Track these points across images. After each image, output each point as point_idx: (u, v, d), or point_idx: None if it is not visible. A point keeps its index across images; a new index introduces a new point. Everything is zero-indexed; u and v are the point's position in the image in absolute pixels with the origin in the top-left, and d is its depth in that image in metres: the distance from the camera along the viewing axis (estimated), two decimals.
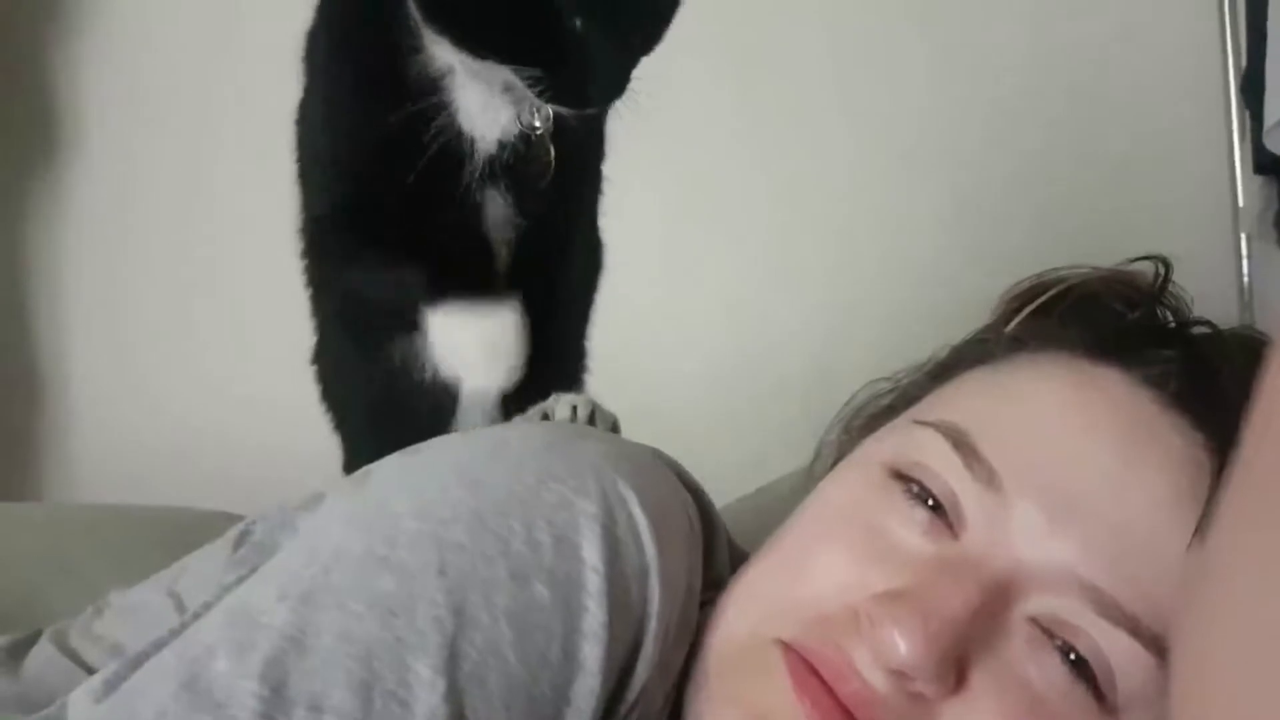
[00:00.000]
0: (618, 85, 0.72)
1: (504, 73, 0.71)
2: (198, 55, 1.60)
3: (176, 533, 0.92)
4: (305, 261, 0.86)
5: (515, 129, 0.76)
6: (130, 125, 1.64)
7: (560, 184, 0.79)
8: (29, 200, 1.65)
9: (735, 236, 1.64)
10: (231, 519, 0.78)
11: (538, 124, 0.76)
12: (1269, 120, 1.35)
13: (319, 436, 0.90)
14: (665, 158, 1.55)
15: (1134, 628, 0.54)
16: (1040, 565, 0.56)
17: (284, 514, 0.70)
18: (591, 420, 0.75)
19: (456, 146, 0.75)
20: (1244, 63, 1.50)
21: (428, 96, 0.73)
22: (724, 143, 1.62)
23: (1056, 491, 0.57)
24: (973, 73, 1.63)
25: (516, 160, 0.76)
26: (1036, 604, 0.55)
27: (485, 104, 0.74)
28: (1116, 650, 0.54)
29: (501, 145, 0.76)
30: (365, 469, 0.66)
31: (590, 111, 0.74)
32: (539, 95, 0.70)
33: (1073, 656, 0.55)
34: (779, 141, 1.63)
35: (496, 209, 0.78)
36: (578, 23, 0.69)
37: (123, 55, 1.63)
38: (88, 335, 1.66)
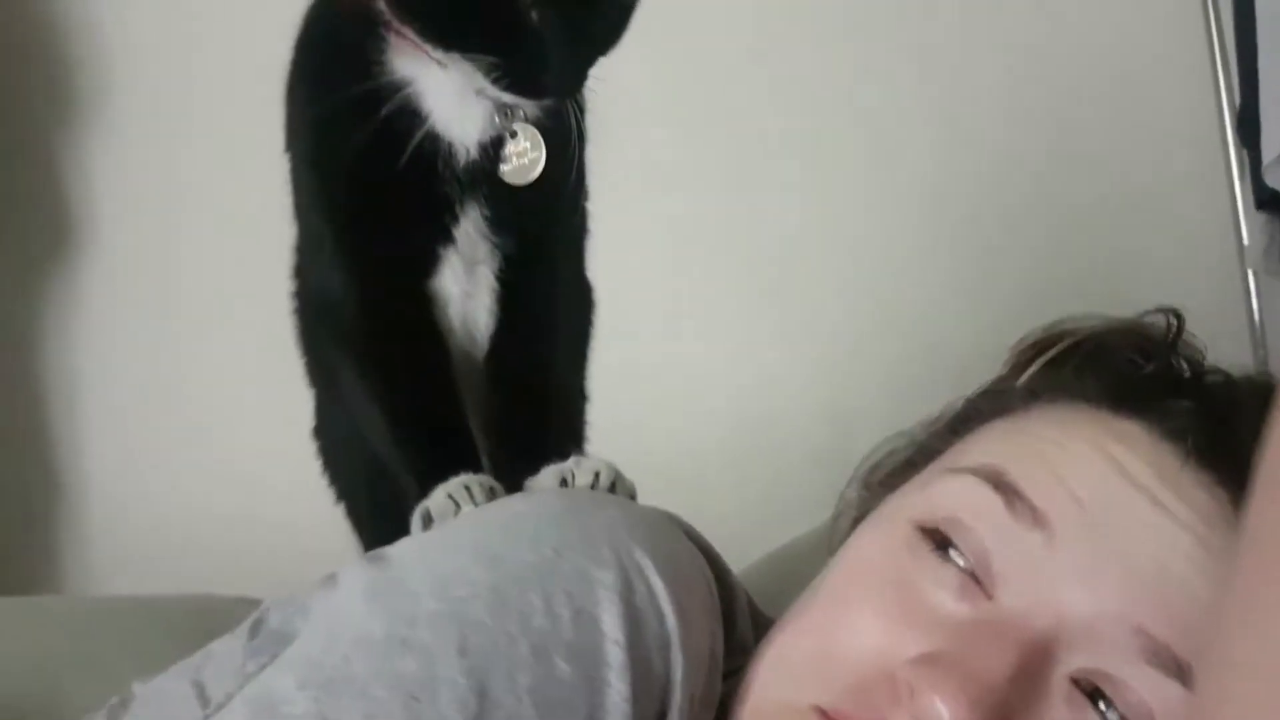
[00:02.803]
0: (574, 78, 0.74)
1: (473, 76, 0.72)
2: (209, 152, 1.62)
3: (196, 620, 0.91)
4: (299, 331, 0.86)
5: (492, 131, 0.76)
6: (142, 223, 1.66)
7: (542, 203, 0.79)
8: (44, 297, 1.66)
9: (739, 292, 1.64)
10: (251, 604, 0.78)
11: (515, 126, 0.76)
12: (1267, 156, 1.35)
13: (328, 509, 0.90)
14: (668, 213, 1.57)
15: (1183, 675, 0.53)
16: (1087, 611, 0.55)
17: (298, 598, 0.69)
18: (613, 489, 0.74)
19: (433, 150, 0.75)
20: (1237, 101, 1.51)
21: (397, 107, 0.74)
22: (725, 196, 1.63)
23: (1101, 532, 0.56)
24: (973, 122, 1.64)
25: (496, 165, 0.77)
26: (1079, 660, 0.54)
27: (459, 107, 0.75)
28: (1164, 699, 0.53)
29: (482, 148, 0.76)
30: (380, 550, 0.66)
31: (546, 101, 0.75)
32: (495, 83, 0.71)
33: (1113, 718, 0.54)
34: (780, 193, 1.63)
35: (472, 229, 0.78)
36: (534, 15, 0.70)
37: (135, 154, 1.65)
38: (103, 429, 1.67)
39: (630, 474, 0.76)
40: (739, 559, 0.77)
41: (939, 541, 0.58)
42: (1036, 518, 0.57)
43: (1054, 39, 1.65)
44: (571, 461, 0.75)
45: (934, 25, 1.64)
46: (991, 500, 0.58)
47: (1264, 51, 1.38)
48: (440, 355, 0.79)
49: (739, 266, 1.64)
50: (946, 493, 0.60)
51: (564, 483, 0.74)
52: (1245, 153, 1.52)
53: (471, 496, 0.71)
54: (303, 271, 0.84)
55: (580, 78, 0.74)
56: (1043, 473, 0.59)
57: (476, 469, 0.75)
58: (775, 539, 1.00)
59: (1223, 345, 0.69)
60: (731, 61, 1.62)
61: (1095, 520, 0.57)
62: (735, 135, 1.63)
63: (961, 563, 0.57)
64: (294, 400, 0.90)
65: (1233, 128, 1.55)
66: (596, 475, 0.74)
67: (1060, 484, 0.58)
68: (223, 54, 1.60)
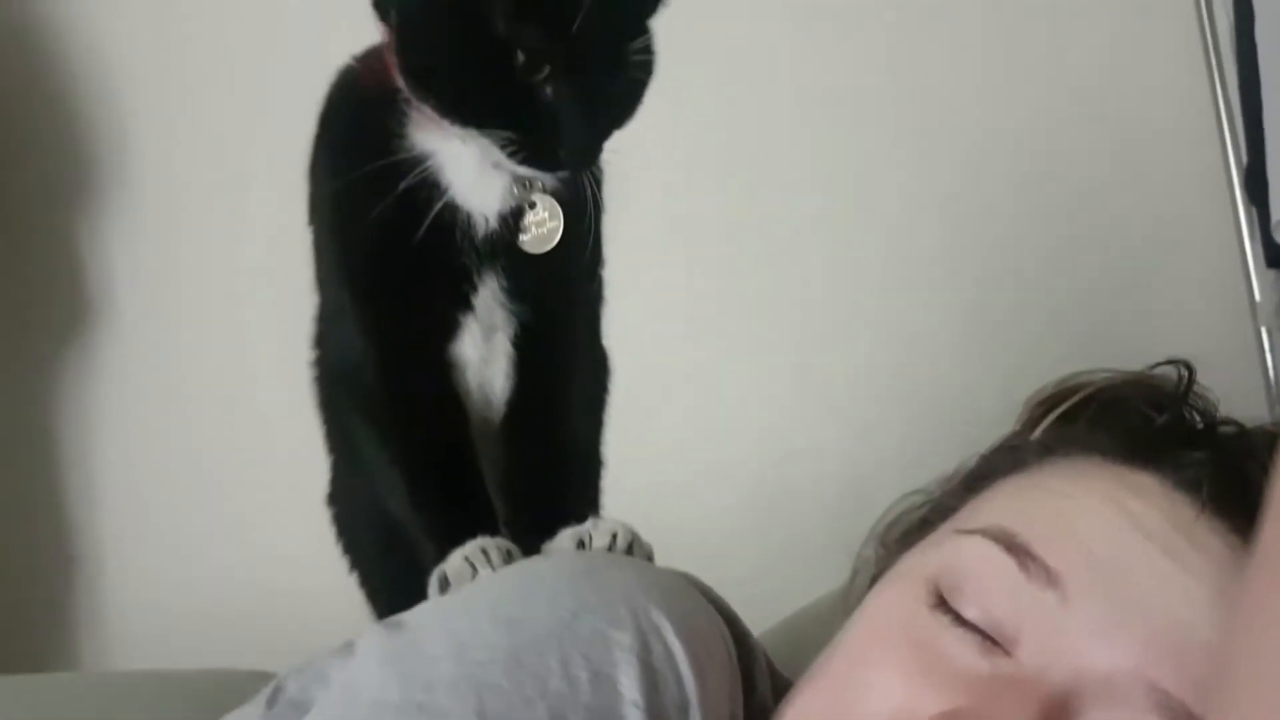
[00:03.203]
0: (588, 152, 0.75)
1: (491, 149, 0.74)
2: (224, 233, 1.64)
3: (213, 694, 0.91)
4: (319, 398, 0.87)
5: (511, 203, 0.77)
6: (158, 302, 1.67)
7: (559, 271, 0.80)
8: (61, 374, 1.68)
9: (757, 356, 1.64)
10: (268, 678, 0.77)
11: (533, 197, 0.78)
12: (1275, 214, 1.36)
13: (344, 580, 0.90)
14: (686, 278, 1.58)
15: None
16: (1104, 670, 0.54)
17: (315, 666, 0.69)
18: (630, 551, 0.74)
19: (451, 221, 0.76)
20: (1244, 159, 1.52)
21: (418, 174, 0.75)
22: (744, 263, 1.64)
23: (1114, 591, 0.56)
24: (986, 187, 1.65)
25: (515, 235, 0.78)
26: (1096, 715, 0.54)
27: (478, 179, 0.76)
28: None
29: (501, 219, 0.77)
30: (396, 616, 0.66)
31: (562, 174, 0.76)
32: (511, 158, 0.73)
33: None
34: (798, 261, 1.64)
35: (491, 298, 0.79)
36: (548, 91, 0.72)
37: (151, 235, 1.67)
38: (118, 504, 1.67)
39: (648, 536, 0.76)
40: (758, 621, 0.77)
41: (955, 611, 0.58)
42: (1050, 577, 0.57)
43: (1063, 105, 1.66)
44: (589, 523, 0.75)
45: (946, 94, 1.66)
46: (1004, 562, 0.58)
47: (1269, 111, 1.39)
48: (458, 420, 0.80)
49: (757, 331, 1.65)
50: (959, 553, 0.60)
51: (581, 545, 0.74)
52: (1254, 211, 1.54)
53: (488, 560, 0.72)
54: (323, 340, 0.85)
55: (595, 151, 0.76)
56: (1056, 530, 0.59)
57: (494, 532, 0.75)
58: (794, 601, 0.99)
59: (1237, 402, 0.69)
60: (752, 134, 1.64)
61: (1110, 577, 0.56)
62: (755, 204, 1.64)
63: (978, 623, 0.57)
64: (309, 473, 0.90)
65: (1240, 186, 1.56)
66: (614, 537, 0.74)
67: (1074, 541, 0.58)
68: (238, 139, 1.63)
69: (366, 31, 0.78)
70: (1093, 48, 1.65)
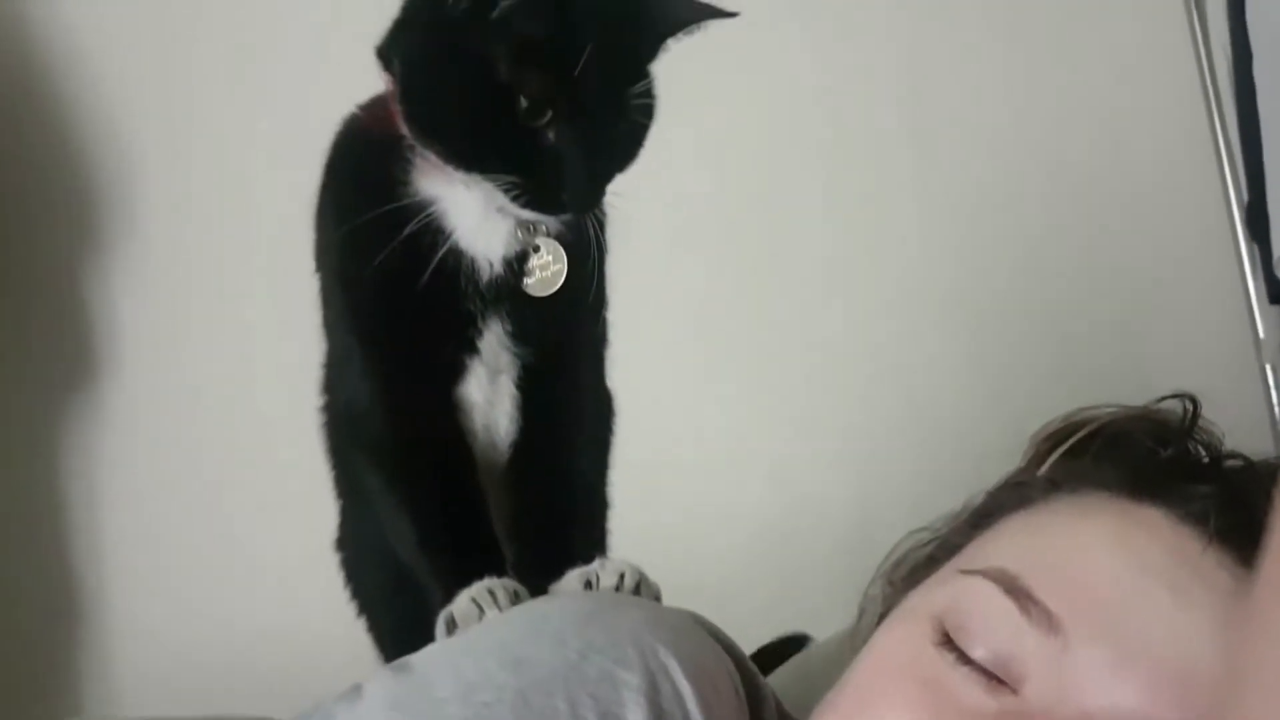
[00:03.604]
0: (591, 195, 0.76)
1: (494, 194, 0.74)
2: (230, 278, 1.64)
3: None
4: (327, 442, 0.87)
5: (516, 246, 0.78)
6: (164, 351, 1.67)
7: (563, 314, 0.80)
8: (66, 422, 1.67)
9: (762, 395, 1.64)
10: None
11: (538, 241, 0.78)
12: (1278, 250, 1.37)
13: (353, 626, 0.90)
14: (693, 316, 1.58)
15: None
16: (1109, 709, 0.54)
17: (323, 710, 0.69)
18: (637, 591, 0.74)
19: (455, 266, 0.77)
20: (1245, 197, 1.53)
21: (422, 220, 0.76)
22: (750, 302, 1.64)
23: (1117, 633, 0.56)
24: (992, 229, 1.65)
25: (519, 279, 0.78)
26: None
27: (482, 224, 0.77)
28: None
29: (505, 263, 0.78)
30: (404, 659, 0.65)
31: (565, 217, 0.77)
32: (514, 201, 0.74)
33: None
34: (805, 299, 1.65)
35: (496, 342, 0.79)
36: (551, 135, 0.73)
37: (158, 283, 1.67)
38: (124, 553, 1.67)
39: (655, 576, 0.76)
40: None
41: (959, 650, 0.58)
42: (1051, 623, 0.56)
43: (1068, 146, 1.67)
44: (596, 564, 0.75)
45: (953, 138, 1.67)
46: (1006, 605, 0.58)
47: (1269, 149, 1.40)
48: (465, 462, 0.80)
49: (764, 371, 1.65)
50: (963, 594, 0.60)
51: (588, 585, 0.74)
52: (1256, 247, 1.54)
53: (495, 600, 0.72)
54: (331, 386, 0.86)
55: (598, 194, 0.77)
56: (1059, 573, 0.59)
57: (501, 574, 0.75)
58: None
59: (1243, 437, 0.69)
60: (759, 175, 1.65)
61: (1114, 618, 0.56)
62: (761, 245, 1.65)
63: (984, 662, 0.57)
64: (317, 520, 0.90)
65: (1242, 223, 1.57)
66: (621, 577, 0.74)
67: (1077, 582, 0.58)
68: (246, 189, 1.64)
69: (372, 80, 0.79)
70: (1096, 90, 1.67)
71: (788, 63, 1.65)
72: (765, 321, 1.65)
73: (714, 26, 0.77)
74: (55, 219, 1.70)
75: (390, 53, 0.78)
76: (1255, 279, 1.57)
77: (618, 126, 0.76)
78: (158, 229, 1.68)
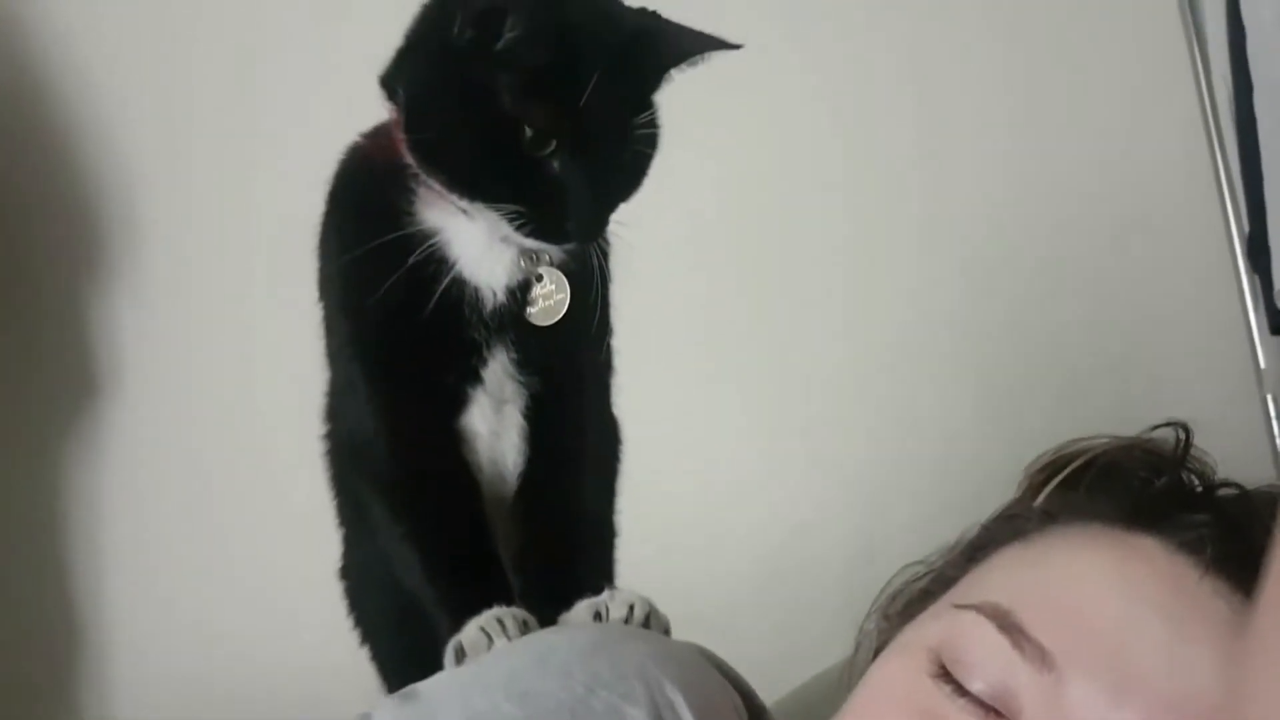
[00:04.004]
0: (595, 225, 0.76)
1: (498, 224, 0.75)
2: (233, 306, 1.65)
3: None
4: (330, 472, 0.88)
5: (519, 276, 0.78)
6: (166, 363, 1.67)
7: (567, 343, 0.81)
8: (68, 449, 1.68)
9: (765, 426, 1.64)
10: None
11: (540, 270, 0.78)
12: (1278, 282, 1.37)
13: (356, 654, 0.90)
14: (697, 347, 1.58)
15: None
16: None
17: None
18: (646, 623, 0.73)
19: (459, 296, 0.77)
20: (1246, 228, 1.53)
21: (425, 250, 0.76)
22: (753, 333, 1.65)
23: (1112, 666, 0.56)
24: (992, 254, 1.65)
25: (523, 308, 0.79)
26: None
27: (485, 254, 0.77)
28: None
29: (509, 292, 0.78)
30: (411, 687, 0.66)
31: (569, 246, 0.77)
32: (518, 230, 0.74)
33: None
34: (808, 331, 1.65)
35: (500, 371, 0.79)
36: (555, 165, 0.73)
37: (160, 309, 1.68)
38: (126, 580, 1.67)
39: (657, 604, 0.76)
40: (768, 691, 0.76)
41: (957, 674, 0.58)
42: (1045, 659, 0.57)
43: (1070, 178, 1.67)
44: (605, 595, 0.75)
45: (955, 170, 1.67)
46: (999, 641, 0.58)
47: (1270, 180, 1.41)
48: (471, 492, 0.80)
49: (767, 402, 1.65)
50: (956, 629, 0.60)
51: (598, 616, 0.73)
52: (1257, 279, 1.55)
53: (504, 630, 0.71)
54: (334, 415, 0.86)
55: (601, 224, 0.77)
56: (1053, 607, 0.59)
57: (509, 601, 0.75)
58: (805, 672, 0.99)
59: (1245, 469, 0.69)
60: (762, 203, 1.65)
61: (1110, 652, 0.57)
62: (765, 275, 1.65)
63: (981, 695, 0.57)
64: (321, 547, 0.90)
65: (1243, 254, 1.57)
66: (630, 609, 0.74)
67: (1071, 617, 0.58)
68: (248, 214, 1.64)
69: (376, 101, 0.79)
70: (1097, 122, 1.67)
71: (794, 86, 1.65)
72: (770, 349, 1.65)
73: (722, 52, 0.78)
74: (58, 238, 1.71)
75: (394, 82, 0.78)
76: (1256, 310, 1.57)
77: (622, 156, 0.76)
78: (160, 248, 1.69)
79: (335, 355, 0.83)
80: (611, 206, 0.77)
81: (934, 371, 1.63)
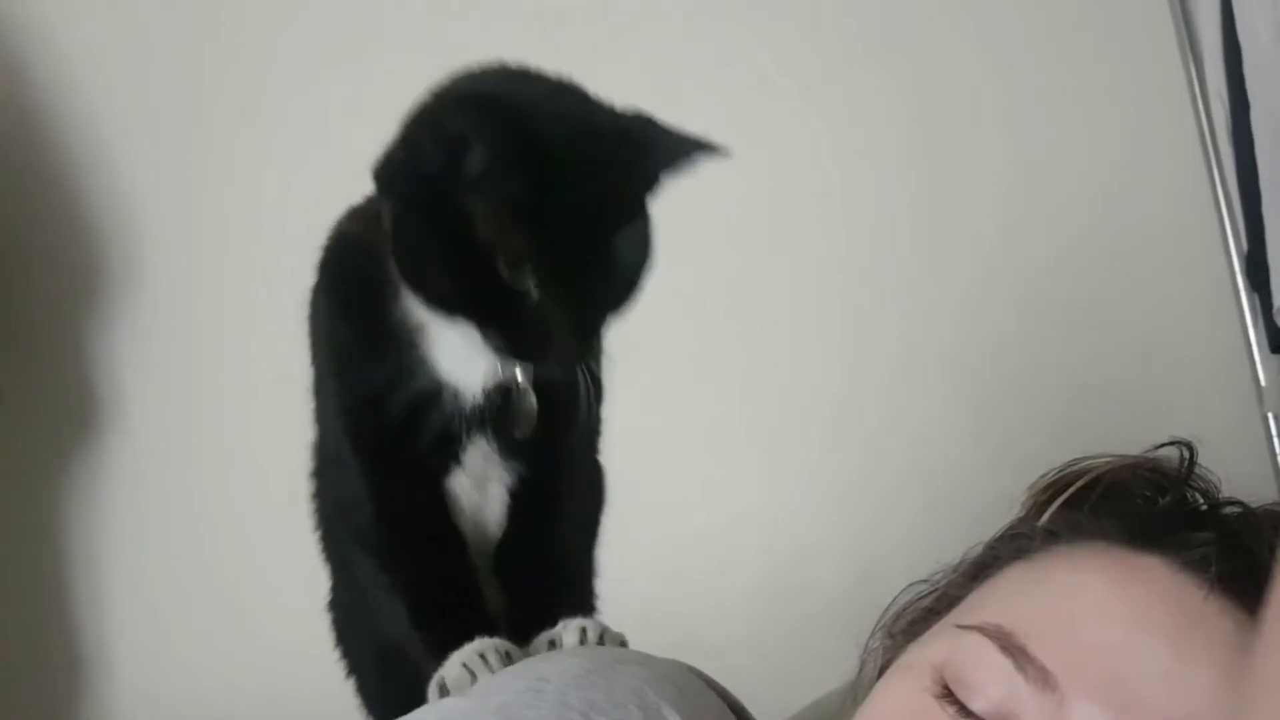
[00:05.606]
0: (575, 352, 0.74)
1: (476, 333, 0.73)
2: (232, 337, 1.65)
3: None
4: (317, 523, 0.87)
5: (495, 379, 0.76)
6: (166, 407, 1.68)
7: (550, 431, 0.79)
8: (68, 478, 1.68)
9: (765, 451, 1.64)
10: None
11: (519, 376, 0.76)
12: (1278, 299, 1.37)
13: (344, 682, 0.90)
14: (694, 376, 1.58)
15: None
16: None
17: None
18: (601, 642, 0.74)
19: (438, 397, 0.76)
20: (1244, 246, 1.53)
21: (408, 349, 0.75)
22: (751, 365, 1.65)
23: (1115, 688, 0.56)
24: (991, 275, 1.66)
25: (501, 410, 0.77)
26: None
27: (464, 357, 0.75)
28: None
29: (486, 395, 0.76)
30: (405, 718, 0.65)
31: (552, 373, 0.75)
32: (496, 350, 0.72)
33: None
34: (805, 362, 1.65)
35: (481, 457, 0.78)
36: (534, 293, 0.70)
37: (160, 339, 1.68)
38: (126, 611, 1.67)
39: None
40: (769, 715, 0.76)
41: (960, 693, 0.58)
42: (1047, 681, 0.56)
43: (1067, 199, 1.67)
44: (559, 626, 0.75)
45: (953, 194, 1.68)
46: (1001, 662, 0.58)
47: (1268, 197, 1.41)
48: (456, 548, 0.79)
49: (767, 428, 1.65)
50: (959, 650, 0.60)
51: (551, 645, 0.74)
52: (1256, 297, 1.54)
53: (487, 663, 0.71)
54: (321, 473, 0.85)
55: (585, 349, 0.75)
56: (1056, 628, 0.58)
57: (491, 632, 0.74)
58: (805, 695, 0.98)
59: (1246, 488, 0.68)
60: (760, 237, 1.66)
61: (1112, 673, 0.56)
62: (763, 303, 1.65)
63: (984, 714, 0.57)
64: (315, 579, 0.90)
65: (1242, 272, 1.57)
66: (583, 632, 0.74)
67: (1074, 638, 0.58)
68: (249, 246, 1.65)
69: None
70: (1094, 142, 1.67)
71: (791, 107, 1.66)
72: (770, 373, 1.65)
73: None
74: (58, 276, 1.72)
75: (382, 184, 0.76)
76: (1256, 328, 1.57)
77: (607, 279, 0.73)
78: (161, 281, 1.70)
79: (323, 416, 0.83)
80: (596, 329, 0.75)
81: (934, 393, 1.63)
